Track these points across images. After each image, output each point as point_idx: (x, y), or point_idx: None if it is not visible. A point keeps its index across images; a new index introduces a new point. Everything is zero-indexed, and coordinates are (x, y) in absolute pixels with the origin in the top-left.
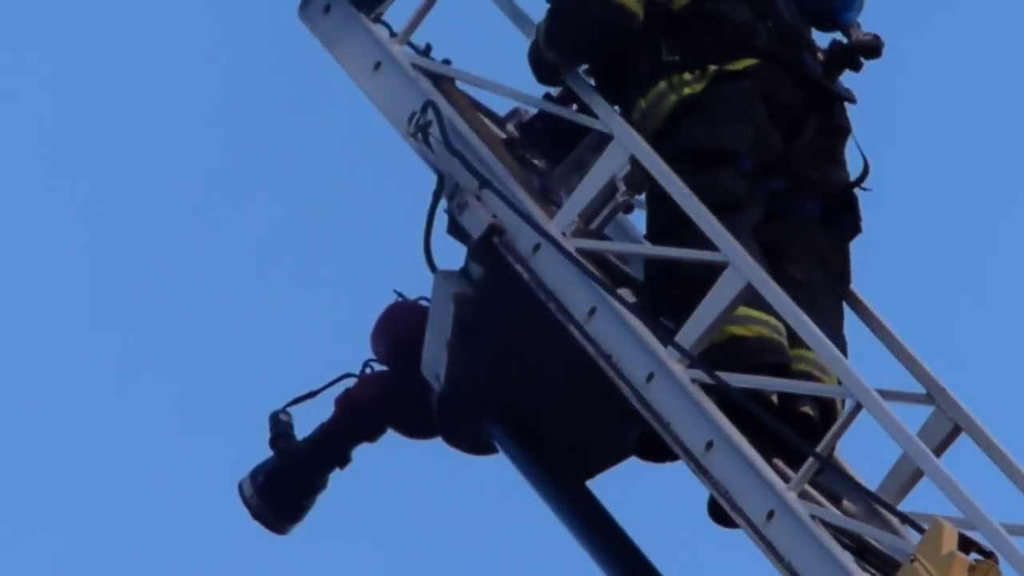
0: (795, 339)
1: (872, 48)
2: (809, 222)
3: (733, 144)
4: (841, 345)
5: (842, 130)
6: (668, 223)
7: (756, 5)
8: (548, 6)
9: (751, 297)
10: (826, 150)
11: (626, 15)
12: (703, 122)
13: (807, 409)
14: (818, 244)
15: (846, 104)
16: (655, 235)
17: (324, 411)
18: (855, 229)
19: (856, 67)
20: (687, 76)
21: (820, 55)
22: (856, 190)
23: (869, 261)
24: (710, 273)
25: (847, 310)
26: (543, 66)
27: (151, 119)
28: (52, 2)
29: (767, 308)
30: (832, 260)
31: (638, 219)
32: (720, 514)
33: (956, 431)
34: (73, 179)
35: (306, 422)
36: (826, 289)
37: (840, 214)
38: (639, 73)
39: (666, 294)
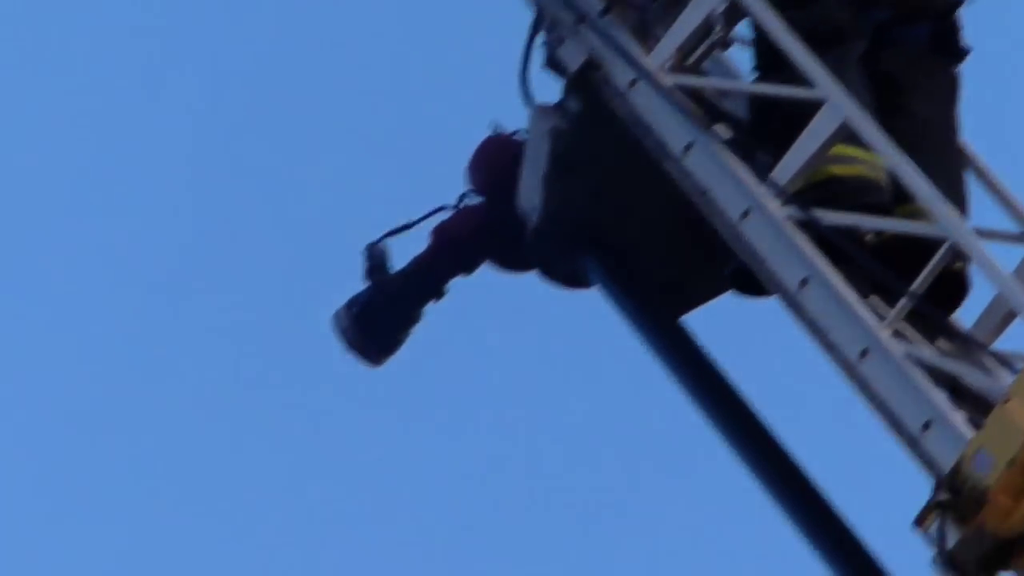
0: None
1: None
2: (921, 50)
3: None
4: (958, 183)
5: None
6: (770, 58)
7: None
8: None
9: (848, 135)
10: None
11: None
12: None
13: (960, 265)
14: (933, 72)
15: None
16: (759, 69)
17: (420, 244)
18: (964, 51)
19: None
20: None
21: None
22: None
23: (966, 95)
24: (810, 110)
25: None
26: None
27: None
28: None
29: (868, 146)
30: (947, 88)
31: (737, 55)
32: (744, 284)
33: None
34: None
35: (402, 255)
36: (944, 123)
37: (948, 37)
38: None
39: (767, 130)
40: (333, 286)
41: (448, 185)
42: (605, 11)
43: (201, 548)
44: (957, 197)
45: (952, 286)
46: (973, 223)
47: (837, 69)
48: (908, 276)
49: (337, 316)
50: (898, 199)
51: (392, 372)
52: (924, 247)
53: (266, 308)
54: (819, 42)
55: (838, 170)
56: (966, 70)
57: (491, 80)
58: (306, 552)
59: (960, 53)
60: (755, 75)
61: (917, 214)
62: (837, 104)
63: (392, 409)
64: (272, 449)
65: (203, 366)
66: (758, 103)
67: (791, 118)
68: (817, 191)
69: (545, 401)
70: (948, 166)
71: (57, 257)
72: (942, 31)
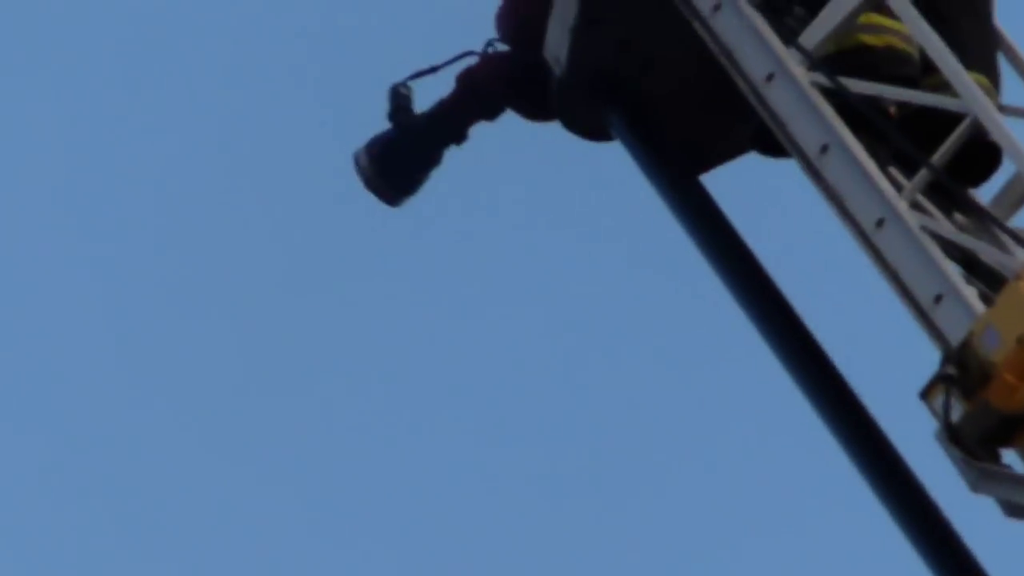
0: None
1: None
2: None
3: None
4: (990, 60)
5: None
6: None
7: None
8: None
9: (878, 4)
10: None
11: None
12: None
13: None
14: None
15: None
16: None
17: (445, 87)
18: None
19: None
20: None
21: None
22: None
23: None
24: None
25: None
26: None
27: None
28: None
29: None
30: None
31: None
32: (766, 144)
33: None
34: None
35: (426, 97)
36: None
37: None
38: None
39: None
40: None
41: (476, 31)
42: None
43: (201, 548)
44: (989, 74)
45: (984, 158)
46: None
47: None
48: (931, 150)
49: (357, 156)
50: (926, 70)
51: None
52: (949, 121)
53: (264, 308)
54: None
55: (868, 39)
56: None
57: None
58: (306, 553)
59: None
60: None
61: (943, 86)
62: None
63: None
64: (271, 450)
65: (202, 367)
66: None
67: None
68: (846, 59)
69: (554, 253)
70: (980, 42)
71: (57, 257)
72: None
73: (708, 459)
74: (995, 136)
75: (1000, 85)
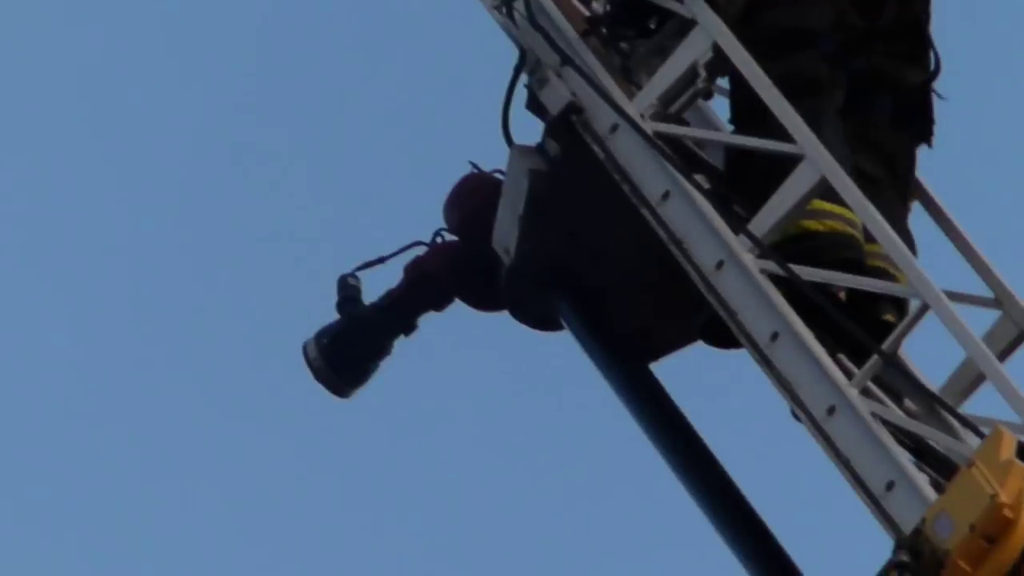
0: (870, 235)
1: None
2: (877, 120)
3: (813, 23)
4: (909, 244)
5: (922, 26)
6: (749, 108)
7: None
8: None
9: (825, 191)
10: (904, 46)
11: None
12: (783, 3)
13: (889, 317)
14: (885, 143)
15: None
16: (737, 119)
17: (393, 278)
18: (926, 134)
19: None
20: None
21: None
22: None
23: (942, 158)
24: (788, 164)
25: (918, 208)
26: None
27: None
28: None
29: (843, 202)
30: (899, 160)
31: (717, 105)
32: (715, 335)
33: (1021, 337)
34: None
35: (375, 288)
36: (892, 186)
37: (912, 116)
38: None
39: (743, 181)
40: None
41: (424, 221)
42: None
43: (200, 548)
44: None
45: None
46: (945, 286)
47: (813, 121)
48: (874, 323)
49: (306, 347)
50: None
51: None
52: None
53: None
54: (795, 92)
55: (812, 224)
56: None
57: (472, 118)
58: (304, 553)
59: (921, 134)
60: (732, 127)
61: (882, 255)
62: (816, 159)
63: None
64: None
65: (273, 229)
66: (735, 154)
67: (767, 171)
68: (791, 245)
69: (505, 439)
70: (895, 225)
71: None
72: (906, 108)
73: None
74: (946, 323)
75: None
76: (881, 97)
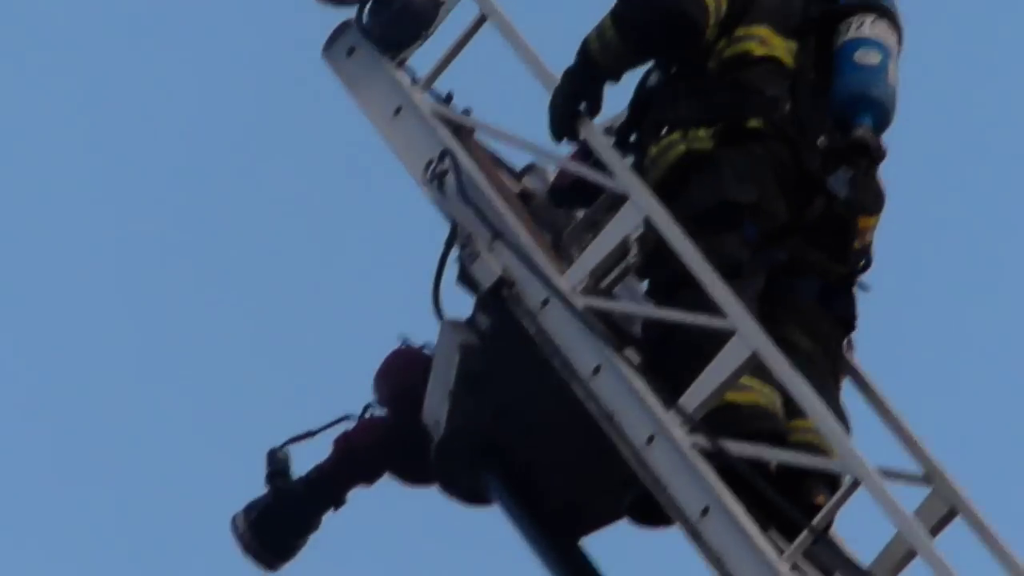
0: (800, 410)
1: (862, 147)
2: (805, 303)
3: (738, 198)
4: (840, 419)
5: (849, 225)
6: (669, 282)
7: (790, 86)
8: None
9: (756, 366)
10: (828, 240)
11: (700, 9)
12: (710, 181)
13: (820, 500)
14: (815, 321)
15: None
16: (656, 292)
17: (322, 451)
18: (851, 319)
19: (853, 164)
20: (701, 132)
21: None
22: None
23: (873, 338)
24: (711, 338)
25: (849, 384)
26: (563, 115)
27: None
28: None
29: (763, 377)
30: (829, 337)
31: None
32: (643, 513)
33: (952, 513)
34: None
35: (303, 461)
36: (824, 362)
37: (838, 299)
38: (656, 119)
39: (665, 354)
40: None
41: (353, 395)
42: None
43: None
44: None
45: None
46: (875, 462)
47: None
48: (805, 499)
49: (235, 521)
50: (790, 413)
51: None
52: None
53: None
54: (721, 275)
55: (733, 396)
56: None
57: (402, 292)
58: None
59: (847, 319)
60: (650, 297)
61: (814, 430)
62: (748, 335)
63: None
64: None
65: (203, 396)
66: (657, 327)
67: (692, 345)
68: (713, 417)
69: None
70: (827, 399)
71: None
72: (832, 291)
73: None
74: (876, 498)
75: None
76: (807, 280)
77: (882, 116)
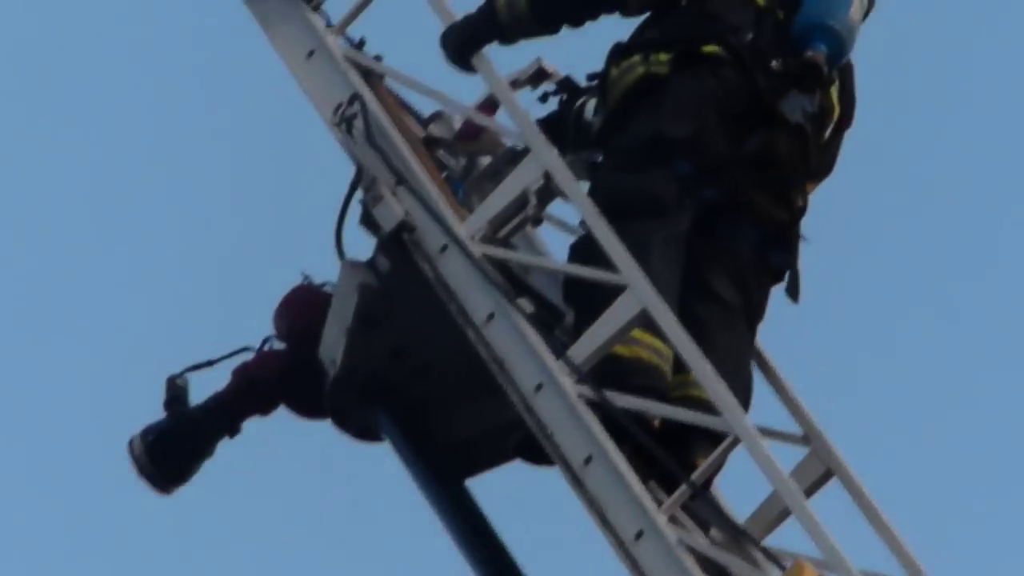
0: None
1: (813, 68)
2: (740, 248)
3: (672, 132)
4: (747, 374)
5: (799, 164)
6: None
7: (755, 19)
8: None
9: (646, 321)
10: (770, 181)
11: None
12: (651, 112)
13: (701, 458)
14: (746, 272)
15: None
16: (576, 247)
17: (220, 381)
18: (782, 273)
19: (804, 87)
20: (662, 56)
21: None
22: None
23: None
24: (612, 293)
25: None
26: (464, 44)
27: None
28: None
29: (658, 332)
30: (754, 293)
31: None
32: (532, 452)
33: (827, 475)
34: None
35: (202, 391)
36: (744, 316)
37: (775, 251)
38: (625, 44)
39: (576, 306)
40: None
41: (254, 327)
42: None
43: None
44: (743, 386)
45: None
46: (757, 421)
47: (643, 245)
48: (684, 451)
49: (132, 443)
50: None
51: None
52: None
53: None
54: (638, 211)
55: (619, 349)
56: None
57: (306, 230)
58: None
59: (777, 275)
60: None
61: (693, 384)
62: (639, 290)
63: None
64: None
65: (105, 324)
66: (569, 280)
67: (603, 297)
68: (597, 368)
69: (318, 546)
70: (739, 355)
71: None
72: (770, 241)
73: None
74: (754, 457)
75: (751, 397)
76: (747, 227)
77: (838, 47)
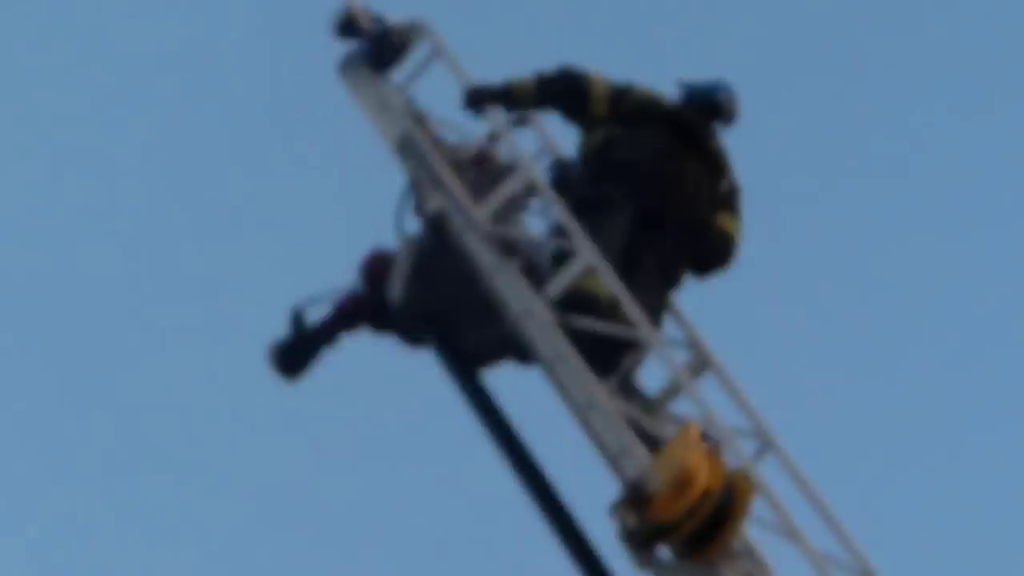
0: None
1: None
2: (669, 252)
3: (634, 156)
4: (660, 308)
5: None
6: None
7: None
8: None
9: (591, 272)
10: (708, 194)
11: (592, 105)
12: (624, 144)
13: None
14: (665, 258)
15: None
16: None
17: (324, 310)
18: (679, 275)
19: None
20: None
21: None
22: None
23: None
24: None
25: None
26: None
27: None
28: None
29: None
30: (671, 273)
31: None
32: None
33: (702, 366)
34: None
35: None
36: (661, 282)
37: (683, 253)
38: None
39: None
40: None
41: (346, 277)
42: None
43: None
44: (655, 316)
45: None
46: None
47: (599, 224)
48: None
49: (268, 349)
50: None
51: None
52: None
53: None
54: (591, 205)
55: (583, 283)
56: None
57: (377, 217)
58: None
59: (695, 262)
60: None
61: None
62: (589, 255)
63: None
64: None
65: (254, 270)
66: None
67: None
68: (571, 295)
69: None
70: (655, 303)
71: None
72: (682, 244)
73: None
74: (656, 352)
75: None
76: (663, 231)
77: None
